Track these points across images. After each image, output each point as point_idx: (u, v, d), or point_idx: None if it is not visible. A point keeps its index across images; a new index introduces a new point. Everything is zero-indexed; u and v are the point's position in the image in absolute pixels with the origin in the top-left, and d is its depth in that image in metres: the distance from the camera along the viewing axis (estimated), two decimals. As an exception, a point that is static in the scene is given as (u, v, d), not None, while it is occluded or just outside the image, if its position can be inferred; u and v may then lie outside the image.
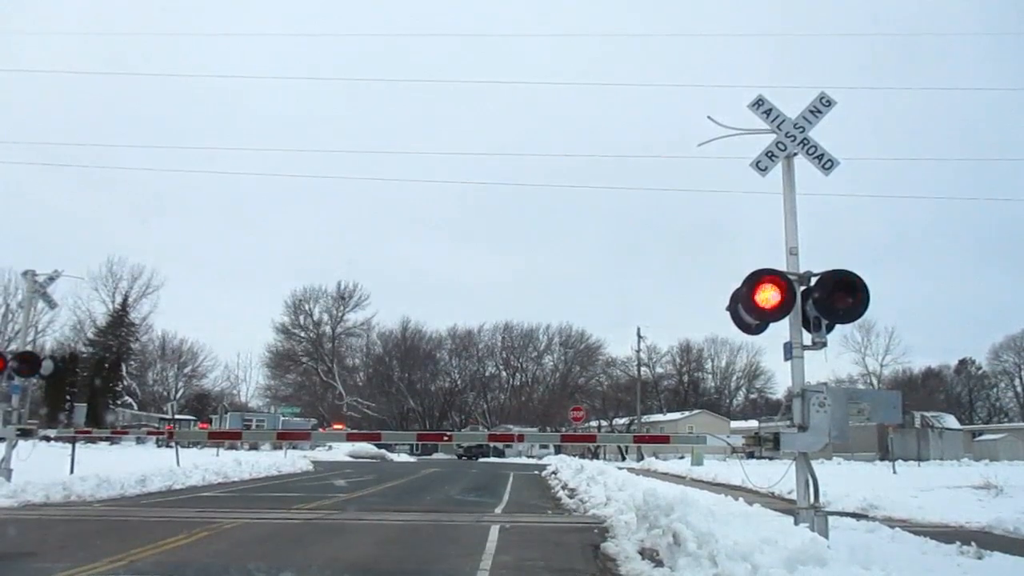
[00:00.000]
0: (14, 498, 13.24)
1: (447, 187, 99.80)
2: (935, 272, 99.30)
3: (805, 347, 8.12)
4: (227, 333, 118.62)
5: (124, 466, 18.89)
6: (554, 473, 24.97)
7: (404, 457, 52.09)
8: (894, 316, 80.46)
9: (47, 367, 15.57)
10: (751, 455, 42.30)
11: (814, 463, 8.22)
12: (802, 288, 8.14)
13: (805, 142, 8.58)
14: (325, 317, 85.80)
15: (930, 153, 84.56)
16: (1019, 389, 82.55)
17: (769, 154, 8.60)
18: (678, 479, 24.89)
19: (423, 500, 16.44)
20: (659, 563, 7.16)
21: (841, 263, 8.08)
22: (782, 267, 8.22)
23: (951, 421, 60.04)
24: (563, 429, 57.52)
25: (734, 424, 71.96)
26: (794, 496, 8.47)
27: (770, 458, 35.35)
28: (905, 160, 72.89)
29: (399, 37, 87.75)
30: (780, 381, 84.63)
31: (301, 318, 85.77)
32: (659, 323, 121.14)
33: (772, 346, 63.78)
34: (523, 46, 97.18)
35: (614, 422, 75.03)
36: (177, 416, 61.59)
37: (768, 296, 7.94)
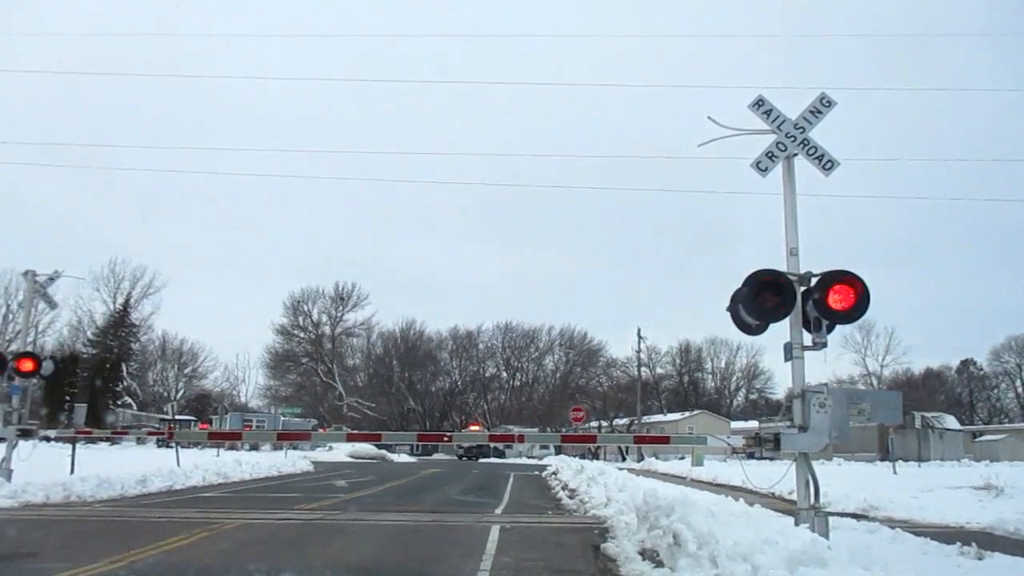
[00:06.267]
0: (14, 498, 13.24)
1: (448, 187, 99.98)
2: (935, 272, 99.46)
3: (805, 348, 8.11)
4: (227, 333, 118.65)
5: (124, 466, 18.89)
6: (554, 474, 24.95)
7: (404, 458, 52.10)
8: (894, 317, 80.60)
9: (47, 367, 15.56)
10: (751, 455, 42.36)
11: (814, 464, 8.21)
12: (802, 288, 8.14)
13: (805, 143, 8.57)
14: (324, 318, 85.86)
15: (932, 154, 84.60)
16: (1020, 390, 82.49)
17: (769, 154, 8.59)
18: (678, 480, 24.87)
19: (424, 501, 16.43)
20: (659, 564, 7.16)
21: (841, 263, 8.09)
22: (782, 267, 8.22)
23: (951, 422, 59.96)
24: (563, 430, 57.53)
25: (734, 425, 71.97)
26: (794, 497, 8.46)
27: (770, 459, 35.48)
28: (907, 161, 72.87)
29: (399, 37, 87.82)
30: (780, 381, 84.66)
31: (300, 319, 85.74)
32: (659, 323, 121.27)
33: (772, 346, 63.55)
34: (524, 47, 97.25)
35: (614, 423, 75.04)
36: (177, 416, 61.44)
37: (769, 296, 7.94)
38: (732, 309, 8.68)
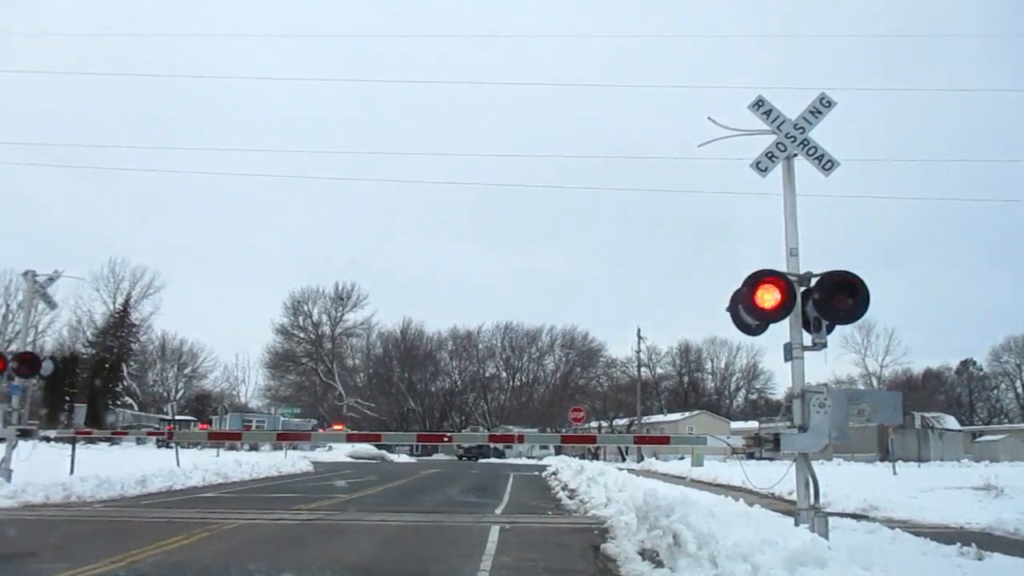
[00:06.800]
0: (14, 499, 13.23)
1: (448, 188, 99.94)
2: (935, 272, 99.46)
3: (805, 348, 8.11)
4: (227, 333, 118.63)
5: (124, 467, 18.87)
6: (554, 474, 24.95)
7: (404, 458, 52.10)
8: (894, 317, 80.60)
9: (47, 368, 15.56)
10: (751, 456, 42.36)
11: (814, 464, 8.21)
12: (802, 289, 8.14)
13: (805, 143, 8.57)
14: (324, 318, 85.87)
15: (932, 154, 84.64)
16: (1020, 390, 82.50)
17: (769, 155, 8.59)
18: (678, 480, 24.87)
19: (423, 501, 16.43)
20: (659, 564, 7.16)
21: (841, 263, 8.08)
22: (782, 268, 8.22)
23: (951, 422, 59.96)
24: (563, 430, 57.53)
25: (734, 425, 72.00)
26: (794, 497, 8.46)
27: (770, 459, 35.47)
28: (907, 161, 72.88)
29: (401, 38, 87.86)
30: (780, 382, 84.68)
31: (300, 319, 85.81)
32: (659, 324, 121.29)
33: (772, 347, 63.50)
34: (526, 47, 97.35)
35: (614, 423, 75.07)
36: (177, 417, 61.45)
37: (768, 297, 7.94)
38: (732, 309, 8.68)
